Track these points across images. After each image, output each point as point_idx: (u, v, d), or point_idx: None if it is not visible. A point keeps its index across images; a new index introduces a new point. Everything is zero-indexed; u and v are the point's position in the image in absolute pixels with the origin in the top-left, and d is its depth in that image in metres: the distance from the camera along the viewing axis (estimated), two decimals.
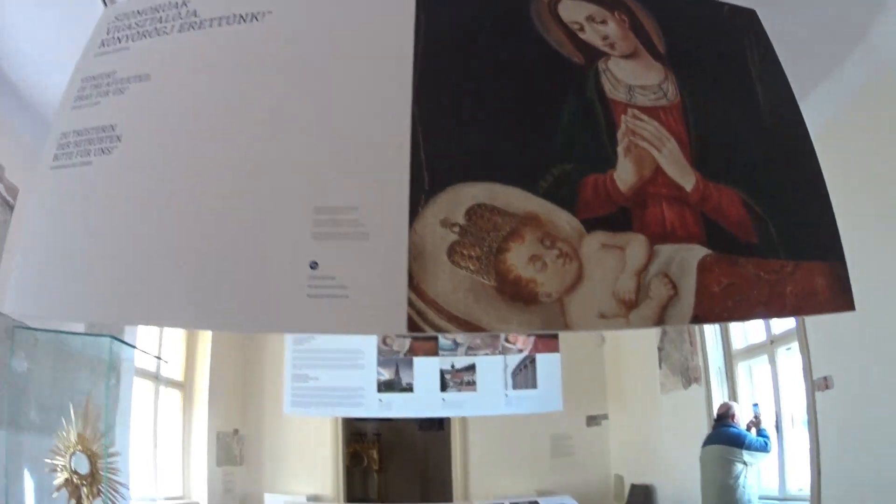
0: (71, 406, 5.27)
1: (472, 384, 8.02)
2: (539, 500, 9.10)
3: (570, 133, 2.50)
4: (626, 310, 2.25)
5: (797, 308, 2.47)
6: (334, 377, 7.68)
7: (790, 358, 7.01)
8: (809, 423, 6.24)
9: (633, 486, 9.95)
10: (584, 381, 10.88)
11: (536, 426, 10.83)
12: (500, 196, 2.30)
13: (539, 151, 2.43)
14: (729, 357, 8.22)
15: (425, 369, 7.91)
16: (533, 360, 8.18)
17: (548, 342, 8.24)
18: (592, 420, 11.27)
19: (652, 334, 9.40)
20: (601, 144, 2.49)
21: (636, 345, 10.20)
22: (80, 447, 5.18)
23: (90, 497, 5.12)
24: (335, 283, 2.18)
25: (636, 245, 2.33)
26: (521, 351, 8.19)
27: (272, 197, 2.37)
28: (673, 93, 2.68)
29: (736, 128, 2.75)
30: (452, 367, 7.95)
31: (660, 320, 2.28)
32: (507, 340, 8.15)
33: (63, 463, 5.26)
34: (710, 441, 7.25)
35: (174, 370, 10.23)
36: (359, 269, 2.19)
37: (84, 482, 5.12)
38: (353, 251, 2.21)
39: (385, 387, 7.79)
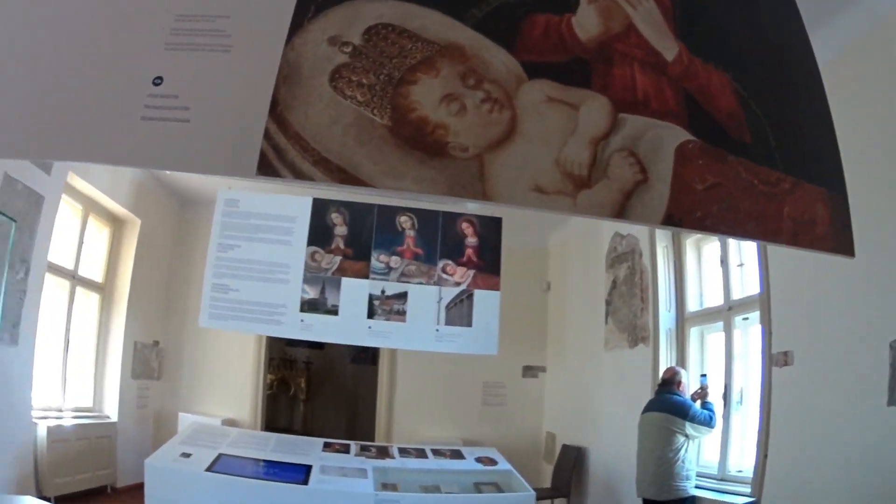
0: None
1: (401, 314, 7.55)
2: (462, 449, 8.71)
3: None
4: (574, 187, 1.76)
5: (794, 235, 2.05)
6: (256, 290, 7.19)
7: (747, 328, 6.66)
8: (762, 400, 5.81)
9: (565, 447, 9.66)
10: (524, 328, 10.64)
11: (469, 371, 10.65)
12: (414, 18, 1.79)
13: None
14: (681, 319, 7.80)
15: (353, 292, 7.42)
16: (470, 296, 7.73)
17: (488, 279, 7.81)
18: (529, 371, 11.03)
19: (601, 284, 9.04)
20: None
21: (583, 295, 9.81)
22: None
23: None
24: (177, 104, 1.70)
25: (595, 106, 1.84)
26: (458, 284, 7.75)
27: (134, 10, 1.92)
28: None
29: (731, 13, 2.31)
30: (382, 292, 7.48)
31: (620, 211, 1.82)
32: (443, 271, 7.72)
33: None
34: (651, 407, 6.79)
35: (94, 270, 9.69)
36: (208, 87, 1.70)
37: None
38: (207, 65, 1.72)
39: (308, 306, 7.29)
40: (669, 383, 6.72)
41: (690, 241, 7.66)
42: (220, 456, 7.08)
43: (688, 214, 1.85)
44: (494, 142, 1.71)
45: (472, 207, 8.11)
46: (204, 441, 7.46)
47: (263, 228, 7.27)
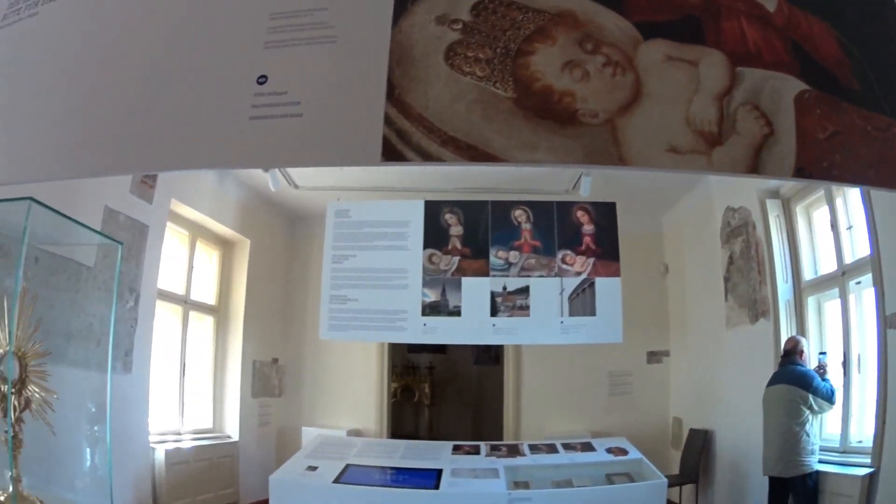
0: (4, 300, 4.28)
1: (525, 308, 7.51)
2: (592, 441, 8.61)
3: None
4: (707, 145, 1.75)
5: None
6: (375, 298, 7.23)
7: (861, 293, 6.50)
8: (879, 366, 5.69)
9: (692, 431, 9.49)
10: (645, 314, 10.45)
11: (593, 361, 10.49)
12: None
13: None
14: (798, 289, 7.62)
15: (474, 291, 7.41)
16: (592, 285, 7.66)
17: (607, 266, 7.73)
18: (653, 356, 10.86)
19: (717, 261, 8.87)
20: None
21: (701, 274, 9.64)
22: (12, 347, 4.22)
23: (18, 407, 4.17)
24: (286, 100, 1.70)
25: (713, 61, 1.81)
26: (578, 274, 7.67)
27: (226, 15, 1.97)
28: None
29: None
30: (504, 288, 7.45)
31: (754, 166, 1.80)
32: (563, 262, 7.66)
33: None
34: (775, 380, 6.71)
35: (207, 294, 9.83)
36: (317, 79, 1.68)
37: (12, 388, 4.18)
38: (313, 58, 1.71)
39: (430, 310, 7.30)
40: (791, 353, 6.63)
41: (800, 207, 7.52)
42: (347, 467, 7.14)
43: (816, 165, 1.81)
44: (623, 105, 1.69)
45: (584, 195, 8.06)
46: (330, 453, 7.53)
47: (377, 236, 7.31)
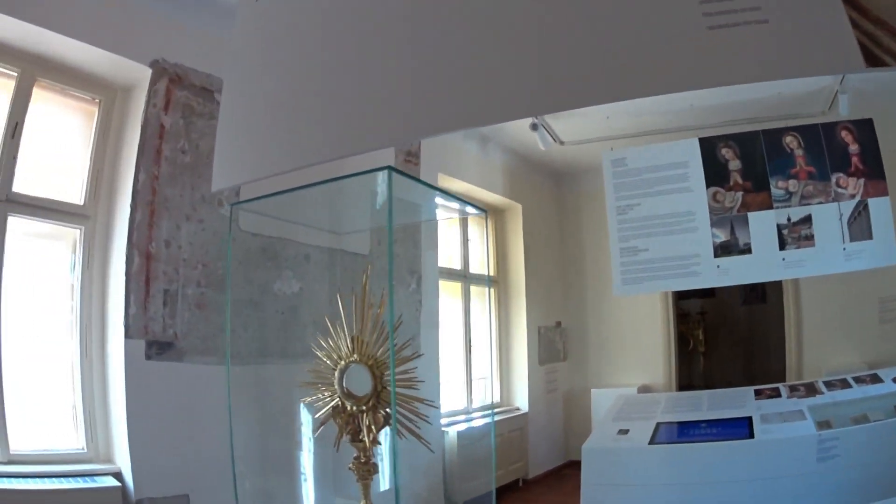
0: (339, 298, 3.67)
1: (809, 238, 7.22)
2: (878, 372, 8.25)
3: None
4: None
5: None
6: (666, 245, 7.04)
7: None
8: None
9: None
10: None
11: (861, 288, 10.02)
12: None
13: None
14: None
15: (761, 225, 7.15)
16: (866, 206, 7.31)
17: (876, 185, 7.34)
18: None
19: None
20: None
21: None
22: (355, 357, 3.49)
23: (373, 428, 3.40)
24: (744, 5, 1.54)
25: None
26: (852, 196, 7.34)
27: None
28: None
29: None
30: (788, 220, 7.17)
31: None
32: (838, 185, 7.34)
33: (329, 386, 3.68)
34: None
35: (483, 265, 9.82)
36: None
37: (362, 407, 3.43)
38: None
39: (722, 250, 7.10)
40: None
41: None
42: (658, 426, 7.00)
43: None
44: None
45: (843, 114, 7.76)
46: (636, 413, 7.42)
47: (658, 181, 7.12)
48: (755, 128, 7.38)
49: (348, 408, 3.47)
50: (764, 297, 12.29)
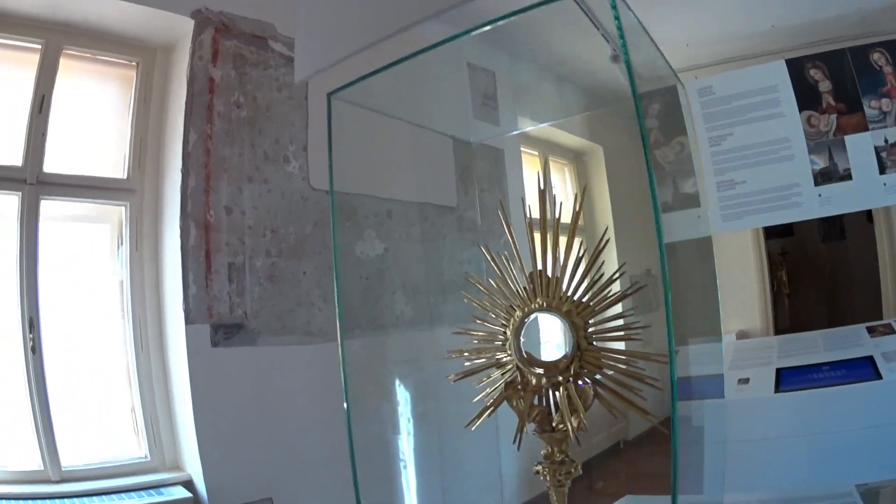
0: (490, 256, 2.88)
1: None
2: None
3: None
4: None
5: None
6: (764, 176, 6.62)
7: None
8: None
9: None
10: None
11: None
12: None
13: None
14: None
15: (859, 149, 6.72)
16: None
17: None
18: None
19: None
20: None
21: None
22: (538, 302, 2.62)
23: (580, 407, 2.44)
24: None
25: None
26: None
27: None
28: None
29: None
30: (886, 141, 6.73)
31: None
32: None
33: (496, 354, 2.72)
34: None
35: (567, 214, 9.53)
36: None
37: (556, 378, 2.49)
38: None
39: (822, 178, 6.67)
40: None
41: None
42: (779, 372, 6.69)
43: None
44: None
45: None
46: (751, 361, 7.15)
47: (749, 108, 6.72)
48: (840, 46, 6.96)
49: (532, 381, 2.56)
50: (843, 232, 11.85)
